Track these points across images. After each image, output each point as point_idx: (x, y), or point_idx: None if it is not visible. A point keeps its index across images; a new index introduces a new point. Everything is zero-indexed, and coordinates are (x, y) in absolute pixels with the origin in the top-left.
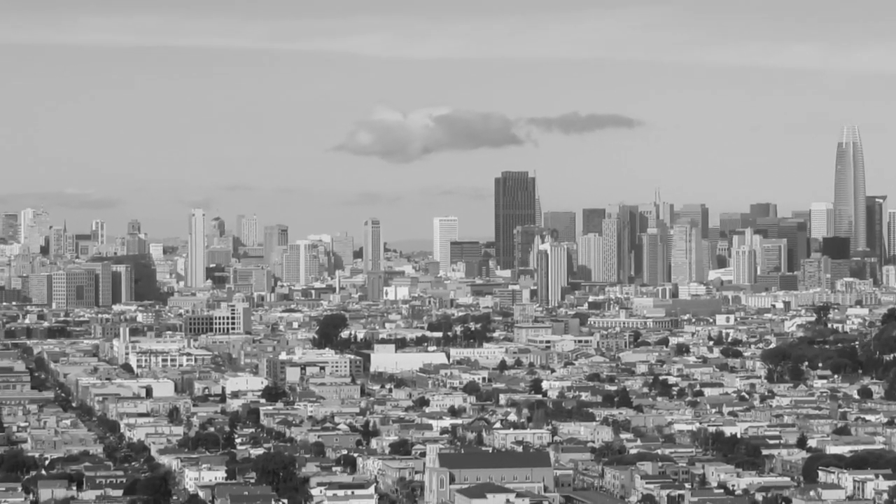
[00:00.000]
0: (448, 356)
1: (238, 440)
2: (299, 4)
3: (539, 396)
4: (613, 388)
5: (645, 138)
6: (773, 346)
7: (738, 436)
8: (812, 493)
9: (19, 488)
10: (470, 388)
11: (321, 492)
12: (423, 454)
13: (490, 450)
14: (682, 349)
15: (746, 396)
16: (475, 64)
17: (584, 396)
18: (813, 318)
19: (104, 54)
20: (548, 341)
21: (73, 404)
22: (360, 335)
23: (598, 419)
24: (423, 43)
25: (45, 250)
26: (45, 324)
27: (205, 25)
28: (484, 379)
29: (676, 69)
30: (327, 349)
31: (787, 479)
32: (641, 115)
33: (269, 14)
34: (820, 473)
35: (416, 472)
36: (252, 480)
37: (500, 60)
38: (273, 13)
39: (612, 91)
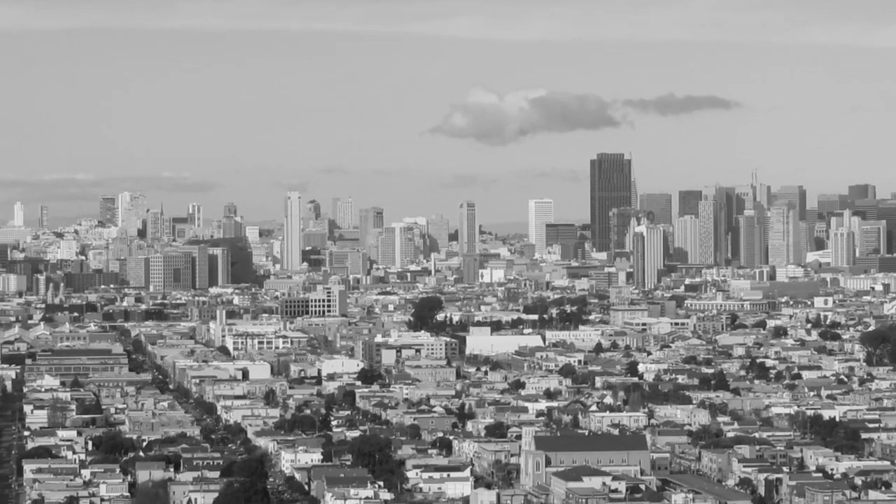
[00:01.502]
0: (544, 339)
1: (334, 422)
2: None
3: (635, 379)
4: (710, 370)
5: (742, 119)
6: (871, 328)
7: (837, 419)
8: None
9: (117, 470)
10: (566, 371)
11: (417, 474)
12: (519, 437)
13: (586, 433)
14: (780, 332)
15: (845, 379)
16: (571, 46)
17: (681, 379)
18: None
19: (202, 38)
20: (644, 324)
21: (171, 386)
22: (456, 318)
23: (694, 402)
24: (520, 25)
25: (142, 233)
26: (143, 306)
27: (302, 9)
28: (580, 362)
29: (774, 50)
30: (423, 332)
31: (887, 463)
32: (738, 96)
33: None
34: None
35: (512, 455)
36: (348, 463)
37: (596, 42)
38: None
39: (708, 72)
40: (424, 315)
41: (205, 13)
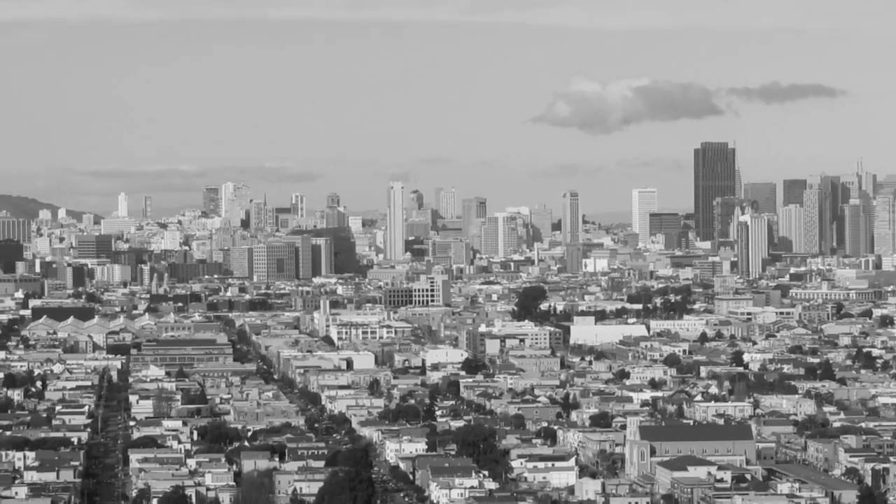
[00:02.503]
0: (648, 328)
1: (438, 412)
2: None
3: (740, 369)
4: (816, 360)
5: (847, 107)
6: None
7: None
8: None
9: (223, 459)
10: (670, 361)
11: (522, 464)
12: (624, 427)
13: (691, 422)
14: (887, 321)
15: None
16: (675, 34)
17: (786, 369)
18: None
19: (305, 28)
20: (749, 313)
21: (275, 376)
22: (560, 307)
23: (800, 392)
24: (623, 13)
25: (245, 224)
26: (247, 297)
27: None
28: (684, 351)
29: (880, 37)
30: (527, 321)
31: None
32: (844, 84)
33: None
34: None
35: (617, 445)
36: (452, 452)
37: (700, 30)
38: None
39: (813, 60)
40: (528, 304)
41: (307, 3)
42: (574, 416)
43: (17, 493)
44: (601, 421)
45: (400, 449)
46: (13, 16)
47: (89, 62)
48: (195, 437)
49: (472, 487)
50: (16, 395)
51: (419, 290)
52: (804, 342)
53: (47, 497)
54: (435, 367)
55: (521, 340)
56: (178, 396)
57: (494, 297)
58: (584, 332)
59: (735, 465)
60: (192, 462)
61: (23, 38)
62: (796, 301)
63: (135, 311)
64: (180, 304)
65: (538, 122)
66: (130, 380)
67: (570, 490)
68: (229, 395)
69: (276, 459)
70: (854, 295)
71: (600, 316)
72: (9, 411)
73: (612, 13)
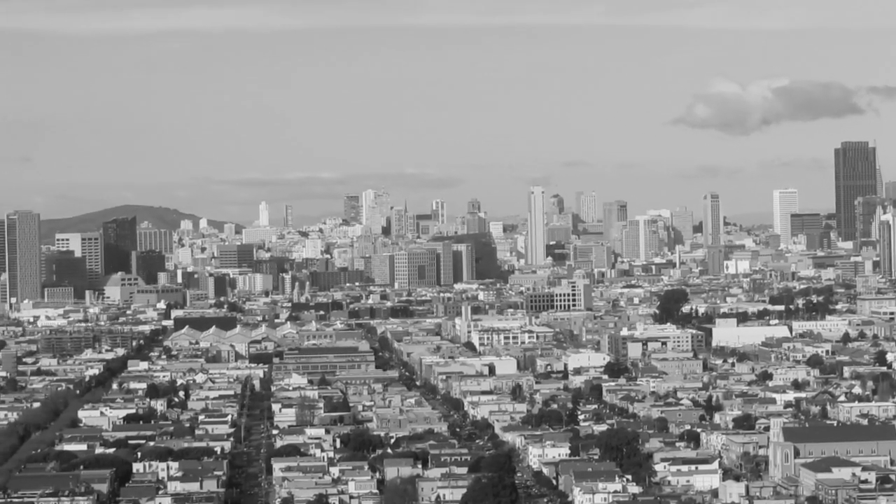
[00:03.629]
0: (790, 329)
1: (581, 416)
2: None
3: (884, 369)
4: None
5: None
6: None
7: None
8: None
9: (366, 466)
10: (813, 362)
11: (665, 467)
12: (767, 428)
13: (835, 423)
14: None
15: None
16: (814, 34)
17: None
18: None
19: (445, 34)
20: (892, 313)
21: (417, 383)
22: (701, 310)
23: None
24: (762, 14)
25: (386, 231)
26: (388, 304)
27: (547, 2)
28: (827, 352)
29: None
30: (668, 324)
31: None
32: None
33: None
34: None
35: (761, 447)
36: (595, 457)
37: (839, 29)
38: None
39: None
40: (670, 307)
41: (448, 9)
42: (717, 418)
43: None
44: (744, 423)
45: (543, 454)
46: (155, 27)
47: (231, 72)
48: (338, 444)
49: (615, 492)
50: (159, 405)
51: (561, 295)
52: None
53: None
54: (577, 372)
55: (663, 343)
56: (321, 404)
57: (636, 300)
58: (726, 334)
59: (880, 465)
60: (335, 470)
61: (164, 49)
62: None
63: (276, 320)
64: (322, 313)
65: (678, 123)
66: (273, 388)
67: (714, 493)
68: (372, 403)
69: (419, 466)
70: None
71: (742, 318)
72: (152, 421)
73: (751, 14)
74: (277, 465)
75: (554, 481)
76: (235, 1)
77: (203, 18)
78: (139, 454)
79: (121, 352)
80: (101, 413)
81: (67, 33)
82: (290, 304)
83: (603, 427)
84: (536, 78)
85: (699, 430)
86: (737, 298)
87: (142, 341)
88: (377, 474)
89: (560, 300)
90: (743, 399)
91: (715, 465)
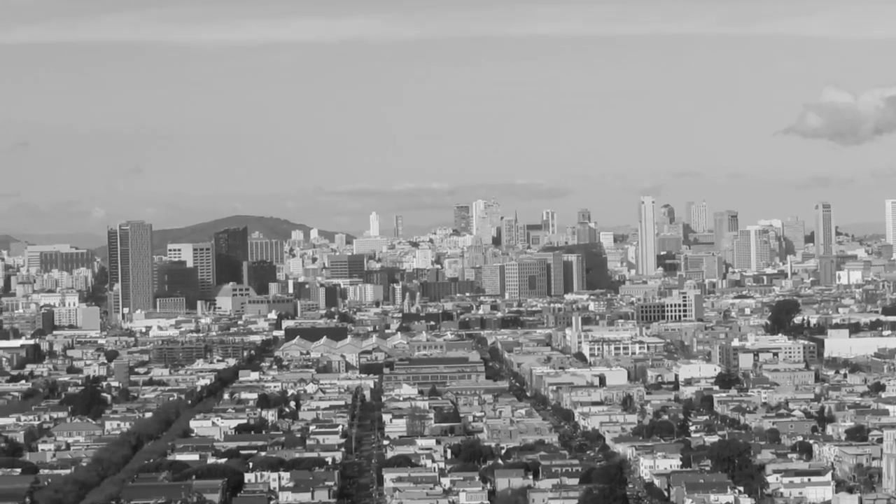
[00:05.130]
0: None
1: (692, 427)
2: None
3: None
4: None
5: None
6: None
7: None
8: None
9: (476, 477)
10: None
11: (777, 479)
12: (881, 440)
13: None
14: None
15: None
16: None
17: None
18: None
19: (554, 44)
20: None
21: (528, 393)
22: (813, 320)
23: None
24: (875, 22)
25: (496, 241)
26: (499, 314)
27: (659, 11)
28: None
29: None
30: (780, 335)
31: None
32: None
33: None
34: None
35: (874, 459)
36: (707, 468)
37: None
38: None
39: None
40: (781, 318)
41: (560, 19)
42: (829, 429)
43: None
44: (857, 434)
45: (654, 465)
46: (267, 38)
47: (341, 83)
48: (448, 455)
49: (727, 503)
50: (270, 415)
51: (671, 305)
52: None
53: None
54: (688, 382)
55: (775, 354)
56: (432, 415)
57: (747, 310)
58: (838, 344)
59: None
60: (445, 481)
61: (276, 60)
62: None
63: (387, 331)
64: (432, 323)
65: (789, 133)
66: (383, 399)
67: None
68: (482, 413)
69: (530, 477)
70: None
71: (854, 328)
72: (263, 432)
73: (863, 23)
74: (388, 476)
75: (665, 493)
76: (348, 12)
77: (316, 29)
78: (251, 464)
79: (232, 362)
80: (213, 423)
81: (179, 45)
82: (400, 315)
83: (714, 438)
84: (647, 87)
85: (811, 441)
86: (849, 309)
87: (253, 352)
88: (488, 485)
89: (671, 311)
90: (855, 410)
91: (828, 476)
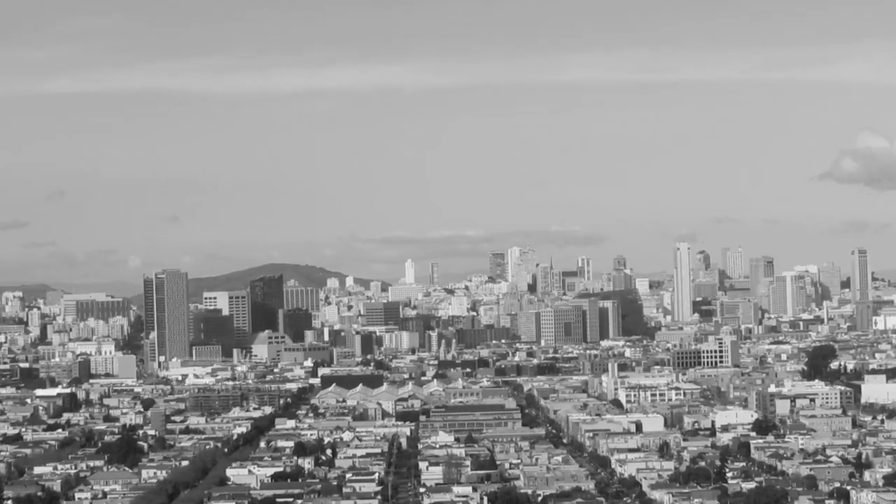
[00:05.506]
0: None
1: (729, 474)
2: (785, 32)
3: None
4: None
5: None
6: None
7: None
8: None
9: None
10: None
11: None
12: None
13: None
14: None
15: None
16: None
17: None
18: None
19: (587, 91)
20: None
21: (564, 440)
22: (850, 366)
23: None
24: None
25: (532, 288)
26: (535, 361)
27: (694, 58)
28: None
29: None
30: (817, 381)
31: None
32: None
33: (758, 43)
34: None
35: None
36: None
37: None
38: (763, 42)
39: None
40: (818, 364)
41: (593, 66)
42: (867, 475)
43: None
44: (895, 480)
45: None
46: (301, 87)
47: (376, 131)
48: (485, 502)
49: None
50: (306, 463)
51: (708, 352)
52: None
53: None
54: (725, 429)
55: (812, 400)
56: (468, 462)
57: (784, 356)
58: (875, 390)
59: None
60: None
61: (310, 109)
62: None
63: (423, 378)
64: (468, 370)
65: (825, 178)
66: (420, 446)
67: None
68: (519, 460)
69: None
70: None
71: (892, 374)
72: (300, 479)
73: None
74: None
75: None
76: (383, 60)
77: (351, 78)
78: None
79: (268, 410)
80: (249, 471)
81: (213, 94)
82: (436, 362)
83: (751, 485)
84: (682, 134)
85: (849, 487)
86: (886, 354)
87: (289, 399)
88: None
89: (707, 357)
90: (893, 456)
91: None
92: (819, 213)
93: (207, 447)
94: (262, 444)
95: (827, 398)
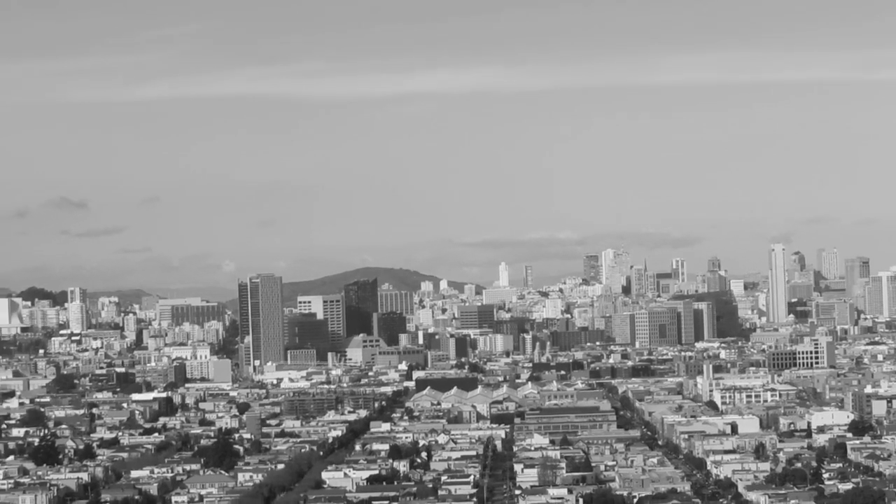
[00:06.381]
0: None
1: (825, 475)
2: (881, 32)
3: None
4: None
5: None
6: None
7: None
8: None
9: None
10: None
11: None
12: None
13: None
14: None
15: None
16: None
17: None
18: None
19: (682, 93)
20: None
21: (659, 442)
22: None
23: None
24: None
25: (626, 290)
26: (629, 363)
27: (788, 58)
28: None
29: None
30: None
31: None
32: None
33: (854, 43)
34: None
35: None
36: None
37: None
38: (859, 43)
39: None
40: None
41: (687, 68)
42: None
43: None
44: None
45: None
46: (395, 91)
47: (470, 134)
48: None
49: None
50: (402, 466)
51: (803, 353)
52: None
53: None
54: (821, 430)
55: None
56: (563, 464)
57: (880, 357)
58: None
59: None
60: None
61: (404, 112)
62: None
63: (517, 380)
64: (563, 372)
65: None
66: (515, 448)
67: None
68: (614, 462)
69: None
70: None
71: None
72: (395, 482)
73: None
74: None
75: None
76: (477, 63)
77: (445, 81)
78: None
79: (363, 413)
80: (345, 474)
81: (307, 98)
82: (530, 365)
83: (848, 486)
84: (777, 134)
85: None
86: None
87: (384, 402)
88: None
89: (802, 358)
90: None
91: None
92: None
93: (303, 450)
94: (358, 448)
95: None
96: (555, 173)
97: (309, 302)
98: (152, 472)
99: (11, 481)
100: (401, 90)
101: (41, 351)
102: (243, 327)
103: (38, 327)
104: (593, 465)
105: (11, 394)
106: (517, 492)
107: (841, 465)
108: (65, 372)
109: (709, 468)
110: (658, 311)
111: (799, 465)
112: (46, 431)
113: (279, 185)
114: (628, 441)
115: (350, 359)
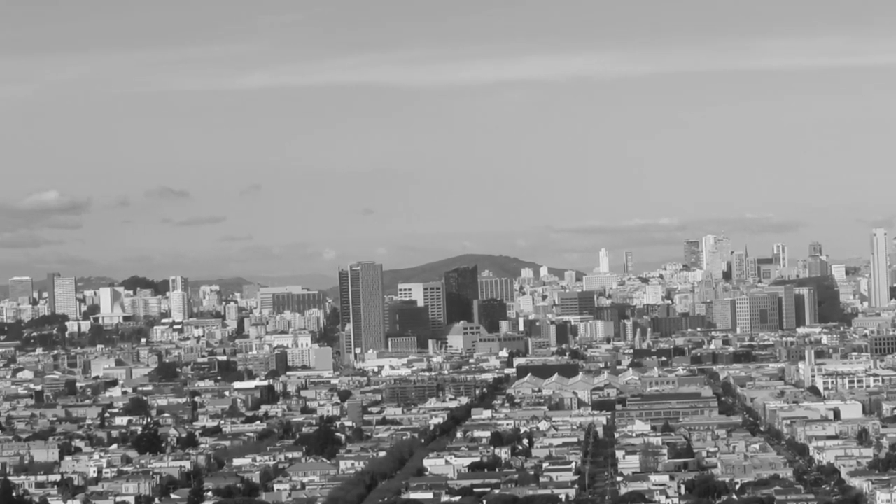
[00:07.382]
0: None
1: None
2: None
3: None
4: None
5: None
6: None
7: None
8: None
9: None
10: None
11: None
12: None
13: None
14: None
15: None
16: None
17: None
18: None
19: (779, 78)
20: None
21: (761, 428)
22: None
23: None
24: None
25: (727, 275)
26: (731, 349)
27: (889, 41)
28: None
29: None
30: None
31: None
32: None
33: None
34: None
35: None
36: None
37: None
38: None
39: None
40: None
41: (788, 53)
42: None
43: None
44: None
45: (891, 499)
46: (496, 77)
47: (570, 121)
48: (682, 491)
49: None
50: (503, 453)
51: None
52: None
53: None
54: None
55: None
56: (665, 451)
57: None
58: None
59: None
60: None
61: (504, 99)
62: None
63: (618, 367)
64: (664, 359)
65: None
66: (616, 435)
67: None
68: (716, 449)
69: None
70: None
71: None
72: (496, 469)
73: None
74: None
75: None
76: (578, 50)
77: (545, 68)
78: (485, 502)
79: (464, 400)
80: (446, 461)
81: (408, 86)
82: (631, 351)
83: None
84: (878, 118)
85: None
86: None
87: (485, 389)
88: None
89: None
90: None
91: None
92: None
93: (404, 438)
94: (459, 435)
95: None
96: (654, 159)
97: (409, 289)
98: (254, 460)
99: (115, 469)
100: (501, 77)
101: (143, 340)
102: (344, 315)
103: (140, 316)
104: (695, 451)
105: (114, 383)
106: (619, 478)
107: None
108: (167, 361)
109: (811, 454)
110: (759, 297)
111: None
112: (149, 420)
113: (380, 172)
114: (730, 427)
115: (451, 346)
